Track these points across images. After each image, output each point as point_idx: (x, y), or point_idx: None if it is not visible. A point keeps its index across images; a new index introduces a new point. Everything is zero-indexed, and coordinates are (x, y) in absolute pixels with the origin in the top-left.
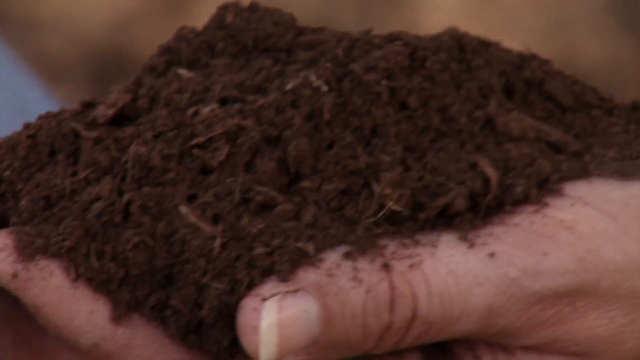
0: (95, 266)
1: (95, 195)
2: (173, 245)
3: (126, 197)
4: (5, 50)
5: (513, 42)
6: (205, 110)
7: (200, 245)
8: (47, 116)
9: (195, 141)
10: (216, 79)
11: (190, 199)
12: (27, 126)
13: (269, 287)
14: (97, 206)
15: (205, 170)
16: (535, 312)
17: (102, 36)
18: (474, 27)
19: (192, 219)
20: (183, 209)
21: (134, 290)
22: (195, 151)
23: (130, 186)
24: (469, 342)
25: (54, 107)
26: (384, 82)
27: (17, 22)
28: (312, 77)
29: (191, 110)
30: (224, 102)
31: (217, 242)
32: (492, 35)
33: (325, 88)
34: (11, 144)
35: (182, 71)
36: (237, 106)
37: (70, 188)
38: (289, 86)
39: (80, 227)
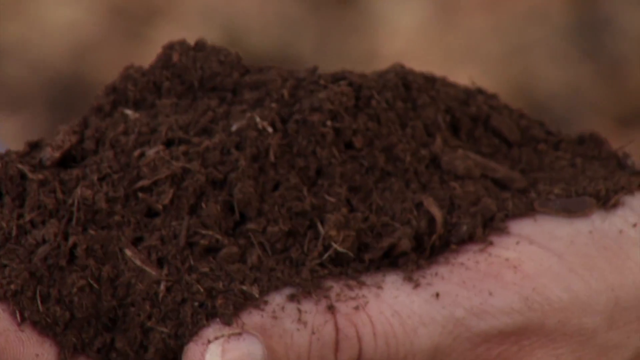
0: (40, 309)
1: (41, 238)
2: (118, 288)
3: (71, 240)
4: None
5: (472, 67)
6: (151, 152)
7: (145, 288)
8: None
9: (140, 184)
10: (162, 121)
11: (136, 241)
12: None
13: (212, 330)
14: (42, 249)
15: (151, 213)
16: (482, 352)
17: (62, 63)
18: (433, 52)
19: (137, 262)
20: (128, 252)
21: (79, 333)
22: (141, 194)
23: (76, 229)
24: None
25: None
26: (329, 123)
27: None
28: (257, 119)
29: (137, 152)
30: (169, 143)
31: (162, 286)
32: (451, 60)
33: (270, 129)
34: None
35: (128, 112)
36: (182, 148)
37: (16, 231)
38: (234, 127)
39: (26, 271)
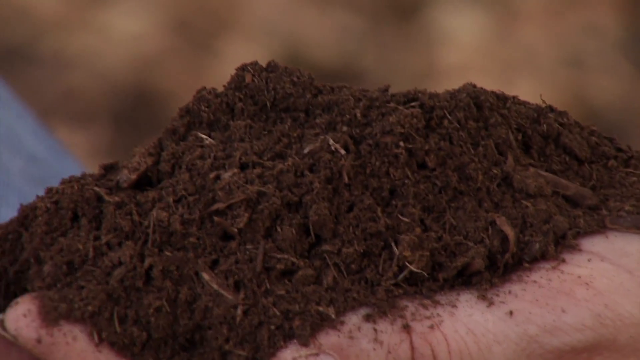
0: (118, 330)
1: (117, 260)
2: (195, 311)
3: (147, 261)
4: None
5: (529, 78)
6: (226, 175)
7: (222, 312)
8: (70, 180)
9: (215, 207)
10: (237, 146)
11: (212, 264)
12: (49, 191)
13: (290, 351)
14: (118, 271)
15: (227, 236)
16: None
17: (127, 74)
18: (490, 65)
19: (214, 286)
20: (205, 276)
21: (156, 353)
22: (216, 218)
23: (152, 251)
24: None
25: (44, 138)
26: (402, 144)
27: (45, 60)
28: (330, 141)
29: (212, 175)
30: (244, 167)
31: (239, 310)
32: (509, 71)
33: (342, 151)
34: (34, 209)
35: (203, 136)
36: (257, 171)
37: (93, 253)
38: (307, 150)
39: (103, 292)
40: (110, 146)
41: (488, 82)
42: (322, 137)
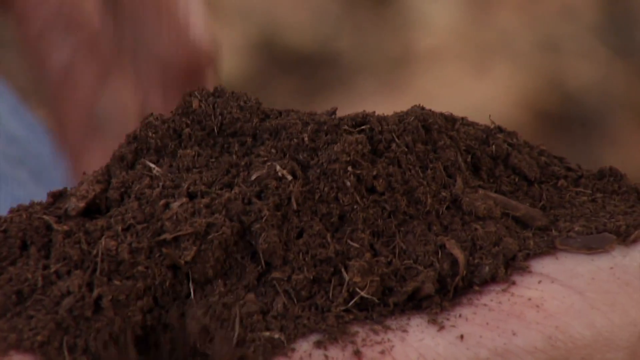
0: None
1: (66, 289)
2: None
3: (96, 291)
4: None
5: (504, 62)
6: (175, 204)
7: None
8: (18, 209)
9: (162, 237)
10: (185, 176)
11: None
12: None
13: None
14: (67, 301)
15: (175, 266)
16: None
17: None
18: (466, 49)
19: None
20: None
21: None
22: (164, 249)
23: (100, 280)
24: None
25: (23, 118)
26: (350, 169)
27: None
28: (277, 167)
29: (161, 203)
30: (192, 196)
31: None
32: (484, 56)
33: (289, 177)
34: None
35: (151, 165)
36: (205, 200)
37: (42, 282)
38: (254, 176)
39: (52, 321)
40: None
41: (464, 66)
42: (269, 163)
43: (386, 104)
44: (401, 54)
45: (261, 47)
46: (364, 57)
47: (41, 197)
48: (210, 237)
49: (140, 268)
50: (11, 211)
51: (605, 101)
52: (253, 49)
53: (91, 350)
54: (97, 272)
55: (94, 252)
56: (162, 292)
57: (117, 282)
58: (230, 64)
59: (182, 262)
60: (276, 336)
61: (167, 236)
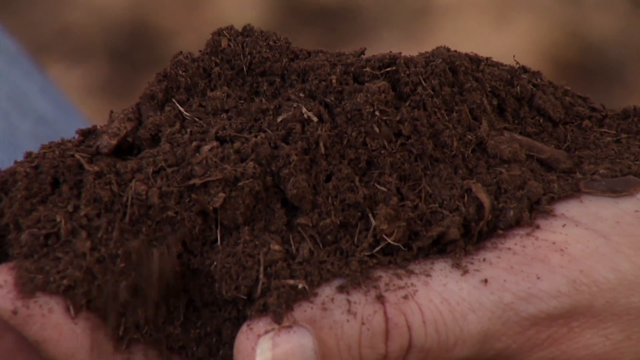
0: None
1: (96, 236)
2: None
3: (122, 242)
4: (4, 40)
5: (525, 14)
6: (205, 148)
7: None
8: (50, 146)
9: (191, 182)
10: (214, 121)
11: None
12: (28, 155)
13: (263, 324)
14: (95, 248)
15: (205, 211)
16: (531, 335)
17: (124, 11)
18: (487, 2)
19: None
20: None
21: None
22: (193, 195)
23: (129, 228)
24: None
25: (52, 97)
26: (377, 114)
27: None
28: (303, 109)
29: (192, 146)
30: (222, 140)
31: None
32: (504, 8)
33: (315, 119)
34: (13, 174)
35: (181, 108)
36: (235, 145)
37: (71, 225)
38: (280, 118)
39: (80, 266)
40: (106, 83)
41: (484, 18)
42: (295, 105)
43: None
44: (422, 6)
45: (283, 0)
46: (385, 9)
47: None
48: (240, 184)
49: (169, 213)
50: (43, 147)
51: (625, 51)
52: (275, 2)
53: (118, 297)
54: (127, 218)
55: (124, 196)
56: (191, 237)
57: (144, 231)
58: (251, 17)
59: (211, 208)
60: (300, 285)
61: (197, 181)
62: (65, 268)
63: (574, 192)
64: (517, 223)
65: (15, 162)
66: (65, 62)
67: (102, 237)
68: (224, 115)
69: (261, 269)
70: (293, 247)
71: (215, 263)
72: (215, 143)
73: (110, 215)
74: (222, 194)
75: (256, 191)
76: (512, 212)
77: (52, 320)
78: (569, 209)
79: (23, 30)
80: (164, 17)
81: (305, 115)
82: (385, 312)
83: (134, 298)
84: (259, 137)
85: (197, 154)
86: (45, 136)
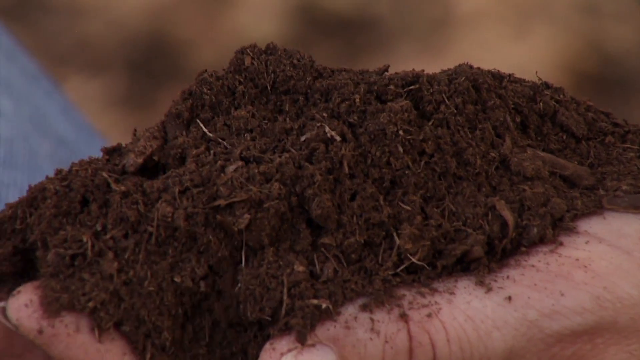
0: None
1: (123, 258)
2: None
3: (147, 271)
4: (25, 61)
5: (544, 25)
6: (230, 168)
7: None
8: (82, 164)
9: (217, 203)
10: (238, 141)
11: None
12: (58, 172)
13: (286, 342)
14: (121, 271)
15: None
16: (556, 352)
17: (142, 22)
18: (505, 11)
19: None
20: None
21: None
22: (219, 216)
23: (155, 251)
24: None
25: (73, 118)
26: (401, 133)
27: (59, 9)
28: (327, 129)
29: (217, 166)
30: (246, 160)
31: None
32: (522, 18)
33: (338, 138)
34: (43, 190)
35: (205, 129)
36: (259, 166)
37: (98, 247)
38: (303, 137)
39: (106, 289)
40: (124, 95)
41: (503, 29)
42: (318, 124)
43: (426, 68)
44: (441, 17)
45: (301, 12)
46: (404, 20)
47: None
48: (265, 205)
49: (195, 235)
50: (74, 165)
51: None
52: (293, 14)
53: (144, 319)
54: (153, 240)
55: (151, 216)
56: (217, 259)
57: (170, 253)
58: (271, 29)
59: (236, 229)
60: (323, 305)
61: (222, 202)
62: (92, 289)
63: (597, 209)
64: (541, 240)
65: (46, 177)
66: (84, 74)
67: (129, 259)
68: (248, 136)
69: (285, 290)
70: (317, 267)
71: (239, 285)
72: (240, 163)
73: (137, 236)
74: (247, 216)
75: (281, 212)
76: (535, 230)
77: (78, 340)
78: (592, 225)
79: (41, 42)
80: (182, 29)
81: (328, 135)
82: (409, 331)
83: (160, 320)
84: (283, 157)
85: (222, 175)
86: (65, 157)
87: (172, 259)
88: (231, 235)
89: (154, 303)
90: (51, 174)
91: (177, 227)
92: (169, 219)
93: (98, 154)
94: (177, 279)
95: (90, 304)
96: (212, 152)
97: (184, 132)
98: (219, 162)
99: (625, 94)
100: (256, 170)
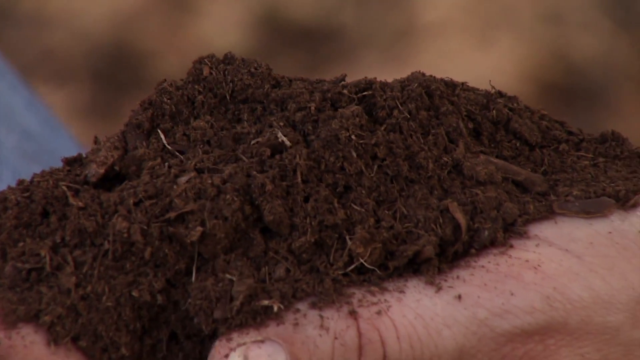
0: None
1: (79, 272)
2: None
3: (103, 286)
4: None
5: (508, 34)
6: (182, 179)
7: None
8: (43, 175)
9: (168, 215)
10: (194, 152)
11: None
12: (20, 182)
13: (235, 337)
14: (78, 285)
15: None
16: (507, 352)
17: (105, 32)
18: (470, 21)
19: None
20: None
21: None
22: (171, 228)
23: (111, 266)
24: None
25: (38, 112)
26: (354, 138)
27: (24, 20)
28: (279, 133)
29: (171, 176)
30: (200, 171)
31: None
32: (488, 27)
33: (288, 143)
34: (4, 200)
35: (164, 139)
36: (212, 176)
37: (56, 261)
38: (253, 142)
39: (63, 303)
40: (90, 105)
41: (467, 39)
42: (270, 129)
43: (390, 78)
44: (405, 28)
45: (265, 22)
46: (368, 30)
47: None
48: (218, 216)
49: (151, 249)
50: (35, 176)
51: (608, 73)
52: (258, 24)
53: (102, 335)
54: (110, 255)
55: (107, 231)
56: (174, 272)
57: (128, 267)
58: (234, 39)
59: (189, 241)
60: (275, 307)
61: (172, 214)
62: (49, 303)
63: (548, 214)
64: (492, 243)
65: (8, 187)
66: (49, 84)
67: (87, 273)
68: (205, 147)
69: (234, 296)
70: (267, 269)
71: (189, 300)
72: (192, 174)
73: (95, 250)
74: (199, 228)
75: (235, 222)
76: (486, 233)
77: (33, 352)
78: (542, 229)
79: (6, 52)
80: (146, 39)
81: (280, 139)
82: (358, 327)
83: (117, 335)
84: (234, 167)
85: (174, 187)
86: (31, 151)
87: (129, 274)
88: (186, 247)
89: (111, 318)
90: (16, 166)
91: (134, 242)
92: (125, 235)
93: (64, 146)
94: (135, 294)
95: (47, 318)
96: (166, 164)
97: (144, 143)
98: (173, 173)
99: (589, 104)
100: (209, 182)
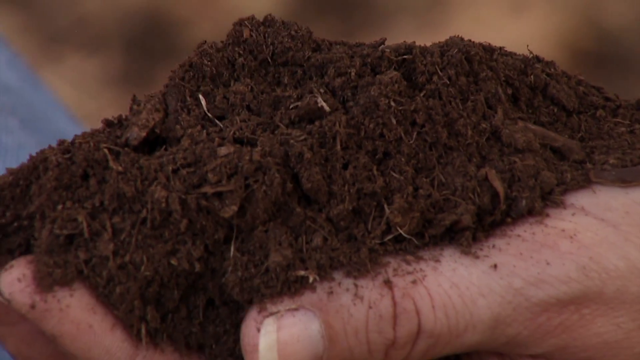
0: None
1: (118, 239)
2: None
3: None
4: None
5: (541, 2)
6: (222, 152)
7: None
8: (84, 137)
9: (204, 189)
10: (233, 119)
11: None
12: (61, 143)
13: (271, 305)
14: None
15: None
16: (542, 321)
17: (138, 1)
18: None
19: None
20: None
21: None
22: (206, 203)
23: (149, 234)
24: (479, 354)
25: (19, 69)
26: (393, 104)
27: None
28: (318, 99)
29: (210, 146)
30: (239, 141)
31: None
32: None
33: (327, 109)
34: (45, 161)
35: (204, 103)
36: (252, 149)
37: (95, 227)
38: (292, 106)
39: (99, 266)
40: (122, 73)
41: (500, 6)
42: (310, 95)
43: (424, 44)
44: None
45: None
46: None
47: (29, 145)
48: (255, 188)
49: (190, 219)
50: (76, 137)
51: None
52: None
53: (139, 302)
54: (148, 224)
55: (146, 199)
56: (213, 241)
57: (167, 235)
58: (267, 7)
59: (224, 216)
60: (311, 278)
61: (209, 189)
62: (85, 267)
63: (585, 182)
64: (529, 213)
65: (49, 147)
66: (82, 52)
67: (124, 240)
68: (244, 113)
69: (270, 267)
70: (305, 238)
71: (229, 268)
72: (231, 148)
73: (133, 217)
74: (234, 207)
75: (275, 197)
76: (524, 202)
77: (70, 316)
78: (579, 198)
79: (38, 21)
80: (179, 6)
81: (319, 105)
82: (393, 297)
83: (155, 302)
84: (272, 138)
85: (212, 159)
86: (9, 104)
87: (168, 242)
88: (224, 219)
89: (150, 288)
90: None
91: (172, 212)
92: (163, 204)
93: (43, 102)
94: (174, 262)
95: (85, 284)
96: (205, 131)
97: (185, 107)
98: (212, 141)
99: (623, 70)
100: (247, 157)
